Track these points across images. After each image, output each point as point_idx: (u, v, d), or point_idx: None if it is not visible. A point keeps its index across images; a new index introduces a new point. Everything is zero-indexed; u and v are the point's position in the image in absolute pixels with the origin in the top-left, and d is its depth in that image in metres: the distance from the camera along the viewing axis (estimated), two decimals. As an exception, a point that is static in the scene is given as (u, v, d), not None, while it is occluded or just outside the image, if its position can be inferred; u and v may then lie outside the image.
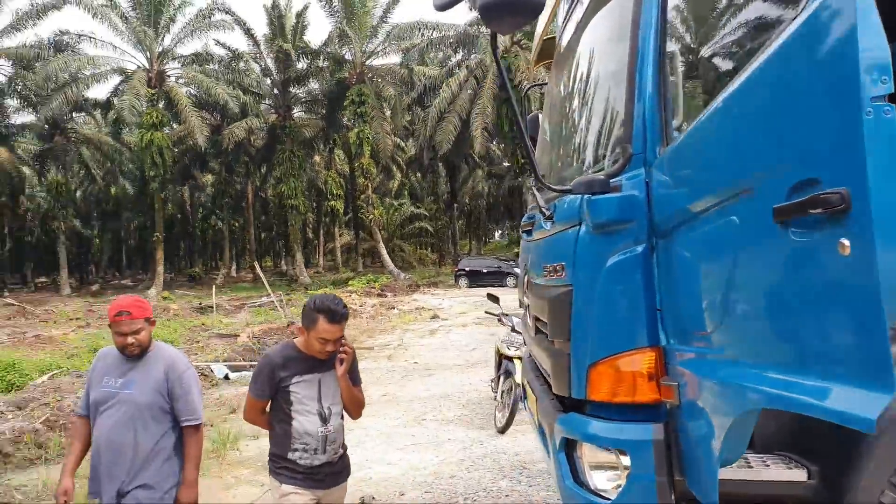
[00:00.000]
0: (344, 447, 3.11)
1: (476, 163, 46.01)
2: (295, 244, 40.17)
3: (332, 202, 42.09)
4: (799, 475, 2.14)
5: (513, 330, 6.93)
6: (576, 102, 3.08)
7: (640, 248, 2.29)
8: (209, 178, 47.35)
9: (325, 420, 2.93)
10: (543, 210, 2.87)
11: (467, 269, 30.80)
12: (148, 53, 34.17)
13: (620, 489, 2.31)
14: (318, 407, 2.92)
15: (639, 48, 2.36)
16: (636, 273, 2.28)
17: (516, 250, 52.22)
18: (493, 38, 2.26)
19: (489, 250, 57.70)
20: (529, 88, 5.30)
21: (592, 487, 2.43)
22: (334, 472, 3.02)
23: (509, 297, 22.09)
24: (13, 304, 27.76)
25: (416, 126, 39.25)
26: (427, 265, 46.41)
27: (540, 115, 4.30)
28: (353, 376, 3.06)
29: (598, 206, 2.30)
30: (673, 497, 2.24)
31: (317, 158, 45.92)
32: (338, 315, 2.81)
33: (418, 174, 51.34)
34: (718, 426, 1.96)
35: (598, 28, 2.79)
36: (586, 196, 2.34)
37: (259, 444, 6.59)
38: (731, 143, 1.82)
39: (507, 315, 7.35)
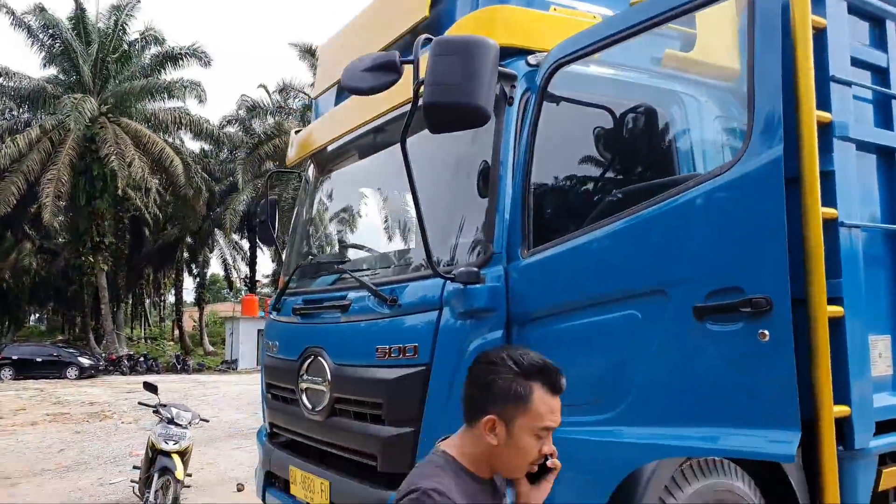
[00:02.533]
0: None
1: (26, 233, 39.38)
2: None
3: None
4: None
5: (170, 422, 6.17)
6: (414, 200, 2.78)
7: (499, 334, 2.53)
8: None
9: None
10: (382, 294, 2.85)
11: (14, 357, 25.72)
12: None
13: None
14: None
15: (501, 160, 2.63)
16: None
17: (60, 337, 44.91)
18: (406, 129, 2.29)
19: (23, 336, 48.66)
20: (275, 174, 5.55)
21: None
22: None
23: (68, 390, 19.04)
24: None
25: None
26: (-65, 353, 36.62)
27: (274, 200, 4.62)
28: None
29: (472, 294, 2.51)
30: None
31: None
32: (561, 378, 1.61)
33: (-62, 239, 41.07)
34: (603, 481, 2.31)
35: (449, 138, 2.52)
36: (454, 285, 2.53)
37: None
38: (637, 257, 2.26)
39: (165, 406, 6.45)
